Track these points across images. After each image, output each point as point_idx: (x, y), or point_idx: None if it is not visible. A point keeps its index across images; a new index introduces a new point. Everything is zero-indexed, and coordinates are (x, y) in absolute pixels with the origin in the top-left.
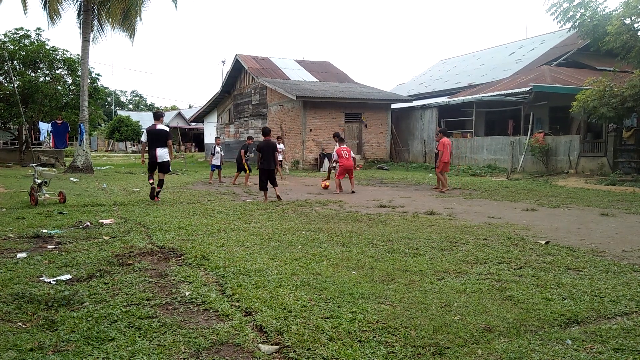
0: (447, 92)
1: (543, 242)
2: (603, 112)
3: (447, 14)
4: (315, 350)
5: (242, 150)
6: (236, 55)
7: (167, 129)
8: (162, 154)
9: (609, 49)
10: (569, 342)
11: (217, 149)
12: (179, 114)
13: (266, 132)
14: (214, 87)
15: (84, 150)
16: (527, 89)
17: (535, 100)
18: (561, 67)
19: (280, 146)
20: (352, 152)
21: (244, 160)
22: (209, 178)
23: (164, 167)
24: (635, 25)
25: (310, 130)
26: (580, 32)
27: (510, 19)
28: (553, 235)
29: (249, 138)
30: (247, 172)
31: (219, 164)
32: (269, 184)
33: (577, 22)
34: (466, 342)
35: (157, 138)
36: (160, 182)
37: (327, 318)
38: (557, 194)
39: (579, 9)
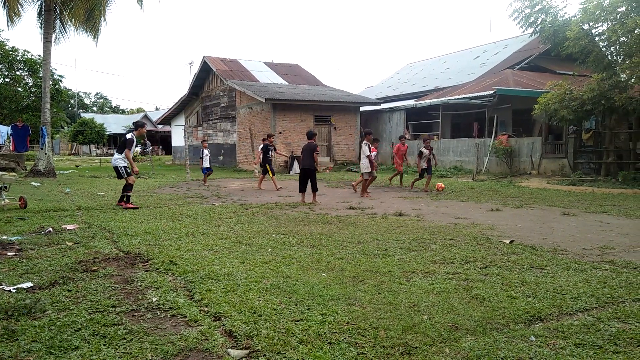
0: (414, 95)
1: (507, 242)
2: (563, 115)
3: (414, 19)
4: (285, 353)
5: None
6: (204, 57)
7: (129, 135)
8: (113, 159)
9: (568, 53)
10: (533, 338)
11: (205, 152)
12: (146, 116)
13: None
14: (182, 89)
15: (45, 153)
16: (491, 92)
17: (499, 103)
18: (524, 71)
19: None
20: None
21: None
22: (204, 182)
23: (116, 172)
24: (593, 31)
25: (280, 132)
26: (541, 37)
27: (475, 23)
28: (517, 235)
29: (203, 141)
30: (271, 174)
31: (208, 166)
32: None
33: (539, 27)
34: (434, 341)
35: (120, 143)
36: (123, 187)
37: (297, 321)
38: (520, 194)
39: (540, 15)
